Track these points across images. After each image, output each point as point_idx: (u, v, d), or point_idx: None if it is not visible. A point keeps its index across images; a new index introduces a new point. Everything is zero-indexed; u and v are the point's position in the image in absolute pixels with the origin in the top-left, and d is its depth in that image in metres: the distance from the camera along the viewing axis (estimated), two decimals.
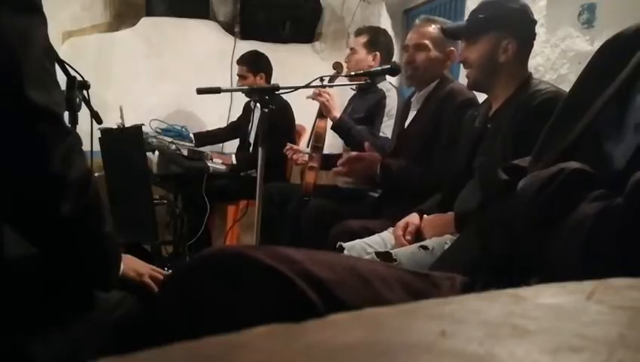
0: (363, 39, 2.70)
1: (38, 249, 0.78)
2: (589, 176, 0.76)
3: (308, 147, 2.60)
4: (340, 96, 2.64)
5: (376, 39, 2.72)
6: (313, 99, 2.42)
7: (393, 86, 2.56)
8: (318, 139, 2.50)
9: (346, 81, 2.62)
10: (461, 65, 3.05)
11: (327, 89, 2.37)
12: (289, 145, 2.78)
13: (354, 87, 2.86)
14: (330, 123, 2.46)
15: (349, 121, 2.45)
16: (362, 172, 2.10)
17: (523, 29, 1.69)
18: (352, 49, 2.73)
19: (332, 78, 2.57)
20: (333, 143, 2.81)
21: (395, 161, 2.10)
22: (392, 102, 2.54)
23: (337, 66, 2.70)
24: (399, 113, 2.44)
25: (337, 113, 2.41)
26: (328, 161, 2.74)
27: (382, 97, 2.57)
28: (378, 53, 2.71)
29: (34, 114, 0.72)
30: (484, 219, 1.05)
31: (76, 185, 0.76)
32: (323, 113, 2.45)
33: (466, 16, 3.16)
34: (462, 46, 1.76)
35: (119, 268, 0.92)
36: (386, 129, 2.48)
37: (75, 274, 0.83)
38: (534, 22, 1.72)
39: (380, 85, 2.61)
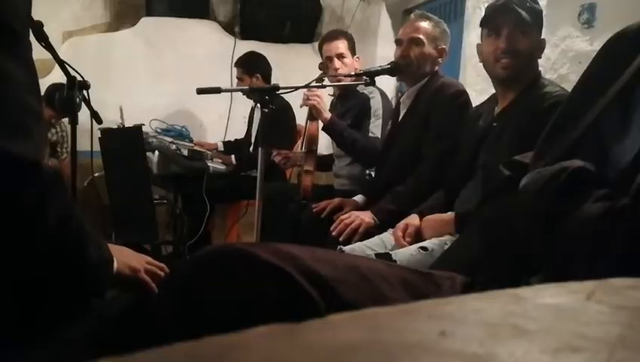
0: (345, 43, 2.64)
1: (21, 278, 0.74)
2: (591, 174, 0.76)
3: (301, 150, 2.58)
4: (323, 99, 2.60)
5: (353, 44, 2.69)
6: (304, 105, 2.39)
7: (376, 88, 2.53)
8: (311, 143, 2.49)
9: (345, 81, 2.60)
10: (460, 65, 3.07)
11: (317, 90, 2.34)
12: (275, 151, 2.75)
13: (332, 93, 2.83)
14: (321, 124, 2.43)
15: (340, 122, 2.43)
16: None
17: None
18: (340, 55, 2.61)
19: (332, 78, 2.55)
20: (328, 144, 2.79)
21: (383, 203, 2.02)
22: (376, 103, 2.52)
23: (324, 67, 2.64)
24: (390, 116, 2.42)
25: (328, 115, 2.39)
26: (324, 162, 2.73)
27: (365, 100, 2.54)
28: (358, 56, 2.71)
29: (8, 167, 0.66)
30: (486, 217, 1.05)
31: (52, 229, 0.72)
32: (314, 115, 2.43)
33: (466, 17, 3.15)
34: (505, 34, 1.61)
35: (111, 278, 0.88)
36: (375, 129, 2.46)
37: (61, 294, 0.80)
38: None
39: (363, 89, 2.57)
